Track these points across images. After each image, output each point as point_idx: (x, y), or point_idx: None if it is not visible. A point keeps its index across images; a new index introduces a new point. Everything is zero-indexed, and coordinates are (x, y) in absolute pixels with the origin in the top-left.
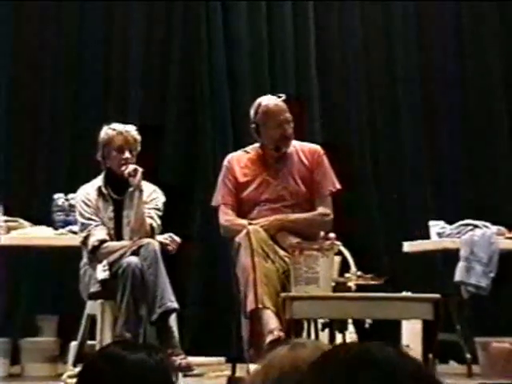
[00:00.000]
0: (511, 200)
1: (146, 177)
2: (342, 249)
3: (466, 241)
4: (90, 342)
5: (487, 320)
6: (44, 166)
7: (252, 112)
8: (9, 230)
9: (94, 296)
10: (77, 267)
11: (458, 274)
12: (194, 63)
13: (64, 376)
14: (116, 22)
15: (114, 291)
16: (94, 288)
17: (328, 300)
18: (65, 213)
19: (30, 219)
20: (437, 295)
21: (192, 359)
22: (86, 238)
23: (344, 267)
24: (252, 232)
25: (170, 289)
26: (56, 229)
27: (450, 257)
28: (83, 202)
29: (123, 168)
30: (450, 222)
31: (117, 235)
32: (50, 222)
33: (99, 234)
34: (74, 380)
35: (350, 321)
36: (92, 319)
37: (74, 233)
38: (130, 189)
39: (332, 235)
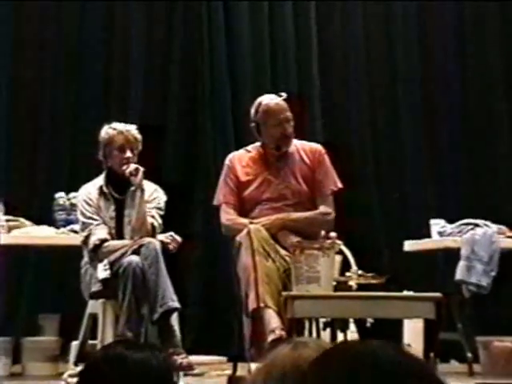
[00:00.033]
0: (511, 199)
1: (147, 176)
2: (343, 248)
3: (467, 240)
4: (91, 342)
5: (488, 319)
6: (45, 165)
7: (252, 111)
8: (10, 229)
9: (95, 295)
10: (78, 266)
11: (459, 273)
12: (195, 63)
13: (65, 375)
14: (116, 21)
15: (115, 290)
16: (96, 287)
17: (329, 299)
18: (66, 212)
19: (31, 218)
20: (438, 294)
21: (193, 358)
22: (87, 237)
23: (345, 266)
24: (253, 231)
25: (172, 288)
26: (57, 228)
27: (450, 256)
28: (84, 201)
29: (124, 167)
30: (451, 221)
31: (118, 234)
32: (51, 222)
33: (100, 233)
34: (75, 379)
35: (351, 320)
36: (93, 318)
37: (76, 232)
38: (132, 188)
39: (333, 234)
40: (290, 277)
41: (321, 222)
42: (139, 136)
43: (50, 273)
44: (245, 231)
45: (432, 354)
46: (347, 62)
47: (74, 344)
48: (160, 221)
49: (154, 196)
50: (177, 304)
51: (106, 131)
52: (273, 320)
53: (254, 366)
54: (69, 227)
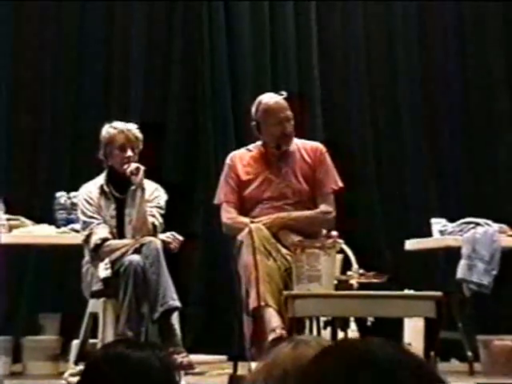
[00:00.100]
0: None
1: (147, 175)
2: (344, 247)
3: (468, 239)
4: (91, 341)
5: (489, 318)
6: (45, 164)
7: (253, 109)
8: (11, 228)
9: (96, 294)
10: (79, 266)
11: (460, 272)
12: (195, 63)
13: (66, 374)
14: (117, 21)
15: (116, 289)
16: (96, 286)
17: (330, 298)
18: (67, 211)
19: (32, 218)
20: (439, 293)
21: (194, 357)
22: (88, 236)
23: (346, 265)
24: (254, 230)
25: (172, 287)
26: (58, 227)
27: (451, 255)
28: (85, 200)
29: (125, 166)
30: (452, 220)
31: (119, 233)
32: (51, 221)
33: (101, 232)
34: (76, 378)
35: (352, 319)
36: (94, 317)
37: (76, 231)
38: (132, 187)
39: (334, 233)
40: (290, 276)
41: (321, 221)
42: (140, 135)
43: (50, 272)
44: (246, 230)
45: (432, 353)
46: (347, 62)
47: (75, 343)
48: (161, 220)
49: (154, 195)
50: (177, 303)
51: (107, 130)
52: (273, 319)
53: (254, 365)
54: (69, 226)
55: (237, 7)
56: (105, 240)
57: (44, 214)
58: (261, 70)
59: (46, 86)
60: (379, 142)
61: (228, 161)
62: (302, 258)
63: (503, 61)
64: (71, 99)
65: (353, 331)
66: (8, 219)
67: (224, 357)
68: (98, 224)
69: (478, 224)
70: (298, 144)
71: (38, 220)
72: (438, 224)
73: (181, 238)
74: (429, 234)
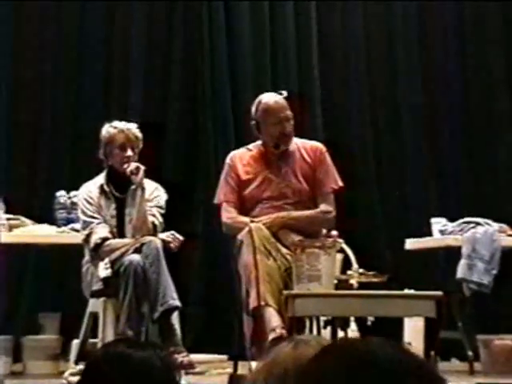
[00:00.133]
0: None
1: (148, 175)
2: (344, 246)
3: (468, 238)
4: (92, 340)
5: (489, 317)
6: (45, 164)
7: (253, 109)
8: (11, 228)
9: (96, 294)
10: (79, 265)
11: (460, 272)
12: (195, 63)
13: (66, 374)
14: (116, 21)
15: (116, 289)
16: (96, 286)
17: (330, 298)
18: (67, 211)
19: (32, 217)
20: (439, 293)
21: (194, 357)
22: (88, 235)
23: (346, 265)
24: (254, 230)
25: (173, 286)
26: (58, 227)
27: (452, 254)
28: (85, 199)
29: (125, 166)
30: (452, 220)
31: (119, 233)
32: (52, 220)
33: (101, 231)
34: (76, 378)
35: (352, 318)
36: (94, 317)
37: (76, 231)
38: (132, 187)
39: (334, 233)
40: (291, 275)
41: (321, 221)
42: (140, 135)
43: (50, 271)
44: (246, 229)
45: (432, 353)
46: (347, 62)
47: (75, 343)
48: (161, 219)
49: (154, 194)
50: (177, 303)
51: (107, 130)
52: (273, 319)
53: (254, 364)
54: (69, 226)
55: (237, 7)
56: (105, 239)
57: (44, 213)
58: (261, 70)
59: (46, 86)
60: (379, 142)
61: (228, 160)
62: (302, 257)
63: (503, 61)
64: (71, 99)
65: (353, 331)
66: (8, 219)
67: (224, 356)
68: (98, 223)
69: (478, 224)
70: (297, 144)
71: (38, 219)
72: (438, 224)
73: (181, 237)
74: (429, 234)
